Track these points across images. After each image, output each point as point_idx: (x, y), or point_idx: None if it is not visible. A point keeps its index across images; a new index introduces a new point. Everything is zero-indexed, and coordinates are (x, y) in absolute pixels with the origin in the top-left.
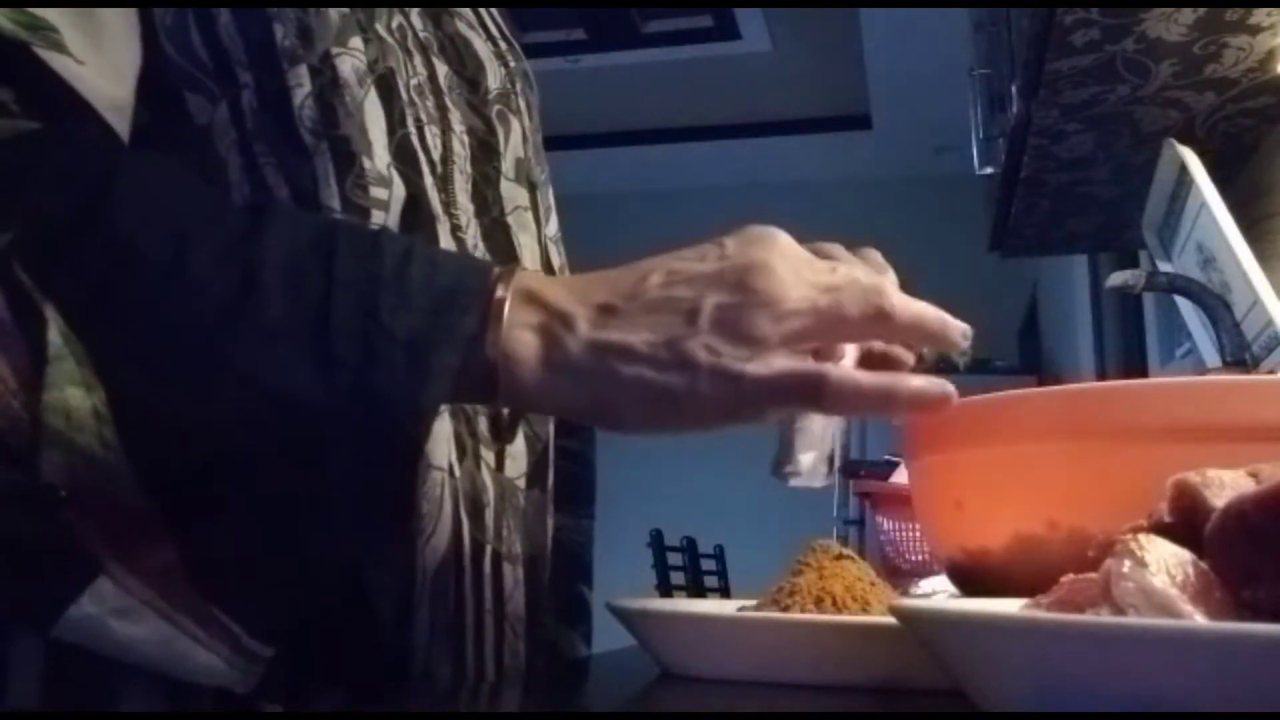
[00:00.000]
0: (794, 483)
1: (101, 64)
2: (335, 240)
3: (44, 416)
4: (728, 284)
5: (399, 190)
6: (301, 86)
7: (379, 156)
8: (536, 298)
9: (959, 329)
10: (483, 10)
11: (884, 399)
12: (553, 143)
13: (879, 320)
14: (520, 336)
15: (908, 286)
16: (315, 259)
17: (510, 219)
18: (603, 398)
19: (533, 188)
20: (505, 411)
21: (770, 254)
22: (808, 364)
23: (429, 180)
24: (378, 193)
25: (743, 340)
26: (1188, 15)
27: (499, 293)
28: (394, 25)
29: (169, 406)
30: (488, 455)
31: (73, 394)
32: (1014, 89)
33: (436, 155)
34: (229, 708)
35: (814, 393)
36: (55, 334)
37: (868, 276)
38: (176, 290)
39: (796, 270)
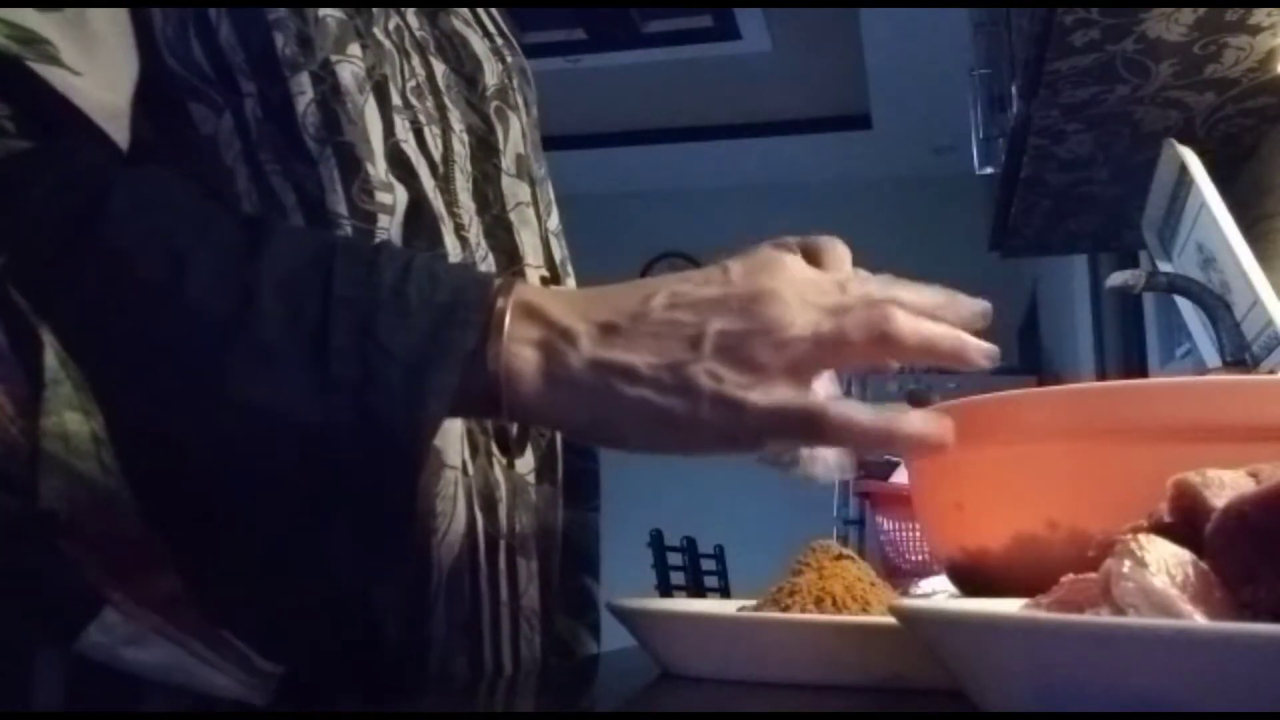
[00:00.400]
0: (817, 477)
1: (97, 74)
2: (333, 258)
3: (42, 442)
4: (732, 310)
5: (401, 194)
6: (304, 94)
7: (380, 163)
8: (537, 312)
9: (979, 350)
10: (480, 9)
11: (883, 438)
12: (553, 143)
13: (884, 345)
14: (521, 351)
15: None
16: (313, 277)
17: (512, 215)
18: (603, 416)
19: (533, 183)
20: (514, 430)
21: (776, 280)
22: (808, 399)
23: (430, 182)
24: (383, 197)
25: (745, 368)
26: (1188, 15)
27: (499, 304)
28: (391, 27)
29: (167, 429)
30: (499, 452)
31: (71, 419)
32: (1014, 89)
33: (437, 155)
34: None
35: (813, 428)
36: (52, 358)
37: (881, 291)
38: (173, 311)
39: (802, 295)
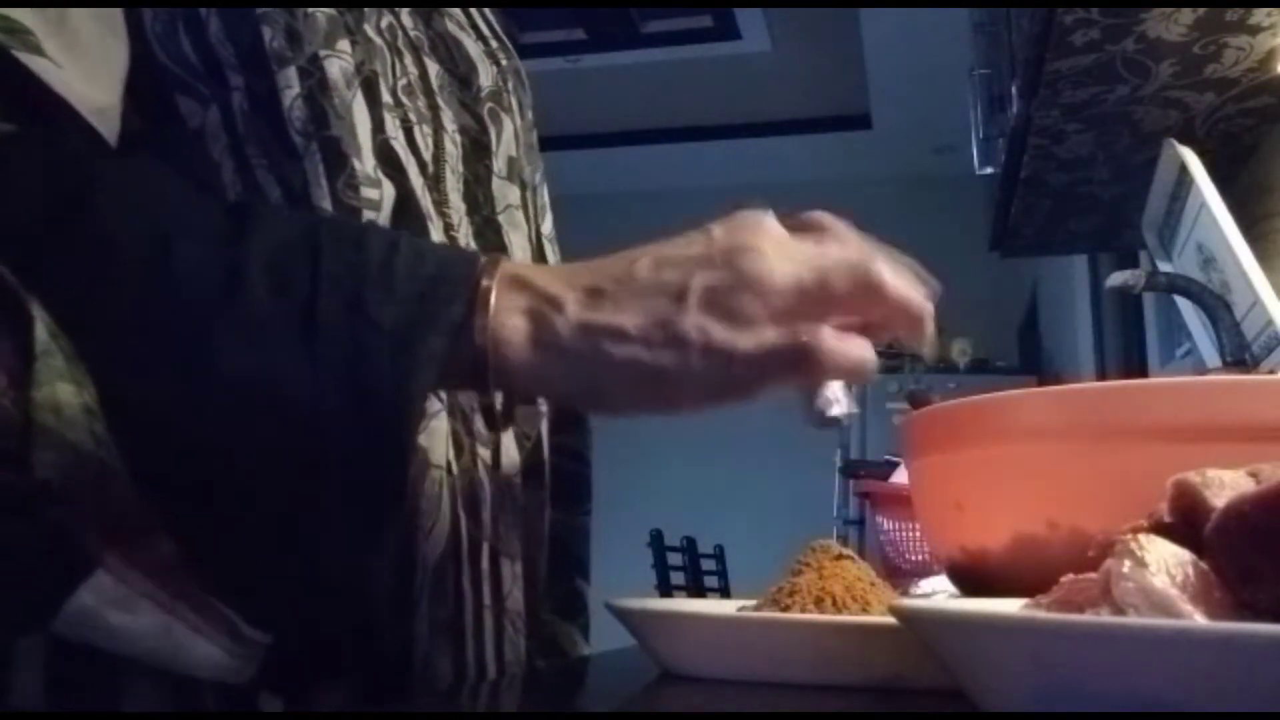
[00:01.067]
0: (834, 412)
1: (80, 67)
2: (320, 235)
3: (34, 414)
4: (715, 265)
5: (389, 190)
6: (291, 88)
7: (368, 158)
8: (524, 282)
9: (931, 337)
10: (473, 9)
11: (869, 360)
12: (552, 143)
13: (868, 295)
14: (509, 320)
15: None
16: (300, 254)
17: (501, 217)
18: (593, 379)
19: (524, 186)
20: (499, 404)
21: (757, 237)
22: (797, 335)
23: (419, 181)
24: (369, 193)
25: (732, 319)
26: (1188, 15)
27: (485, 282)
28: (383, 25)
29: (158, 404)
30: (484, 453)
31: (63, 389)
32: (1014, 89)
33: (428, 155)
34: (230, 709)
35: (806, 363)
36: (42, 330)
37: (857, 254)
38: (161, 289)
39: (784, 251)
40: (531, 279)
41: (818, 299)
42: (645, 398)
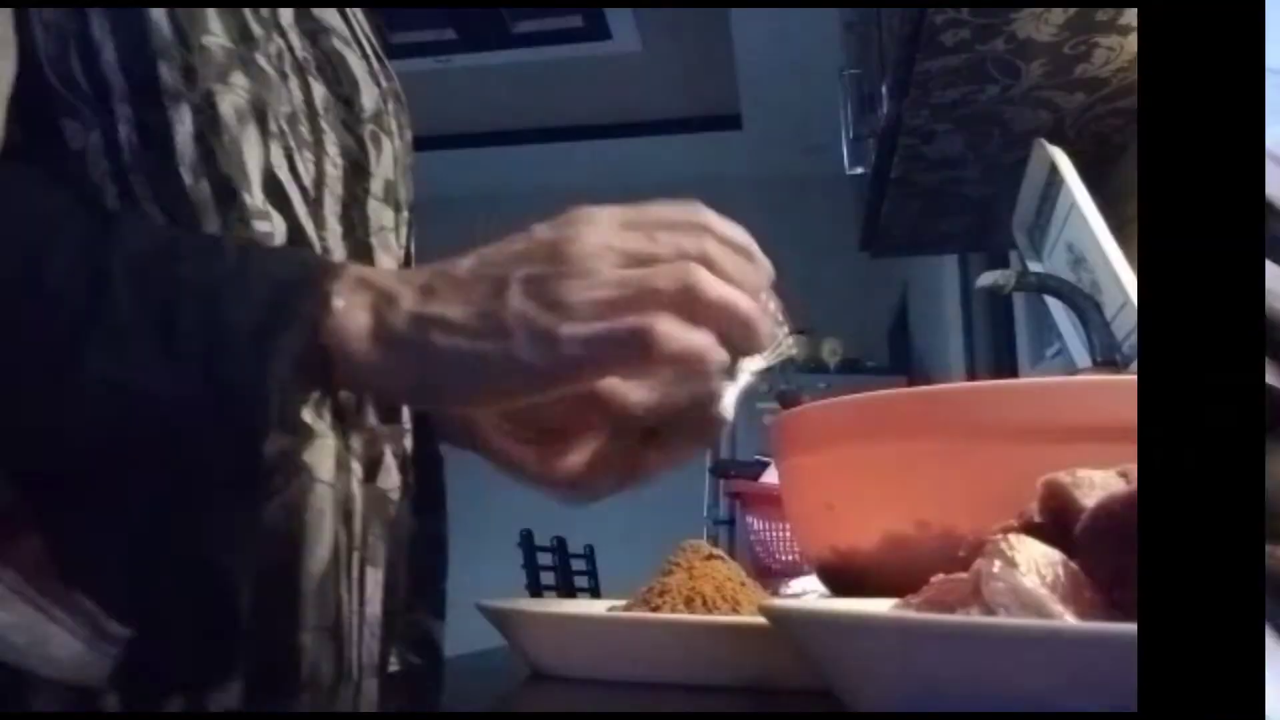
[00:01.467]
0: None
1: None
2: (178, 245)
3: None
4: (535, 258)
5: (279, 223)
6: (183, 125)
7: (257, 193)
8: (366, 282)
9: (767, 334)
10: (357, 26)
11: (709, 348)
12: (422, 143)
13: (688, 296)
14: (353, 315)
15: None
16: (160, 263)
17: (374, 240)
18: (425, 370)
19: (398, 208)
20: (352, 403)
21: (580, 230)
22: (630, 318)
23: (302, 208)
24: (260, 226)
25: (553, 306)
26: (1058, 15)
27: (329, 283)
28: (273, 52)
29: (31, 411)
30: (357, 467)
31: None
32: (884, 89)
33: (309, 180)
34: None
35: (638, 344)
36: None
37: (693, 243)
38: (31, 303)
39: (608, 243)
40: (372, 279)
41: (639, 293)
42: (473, 385)
